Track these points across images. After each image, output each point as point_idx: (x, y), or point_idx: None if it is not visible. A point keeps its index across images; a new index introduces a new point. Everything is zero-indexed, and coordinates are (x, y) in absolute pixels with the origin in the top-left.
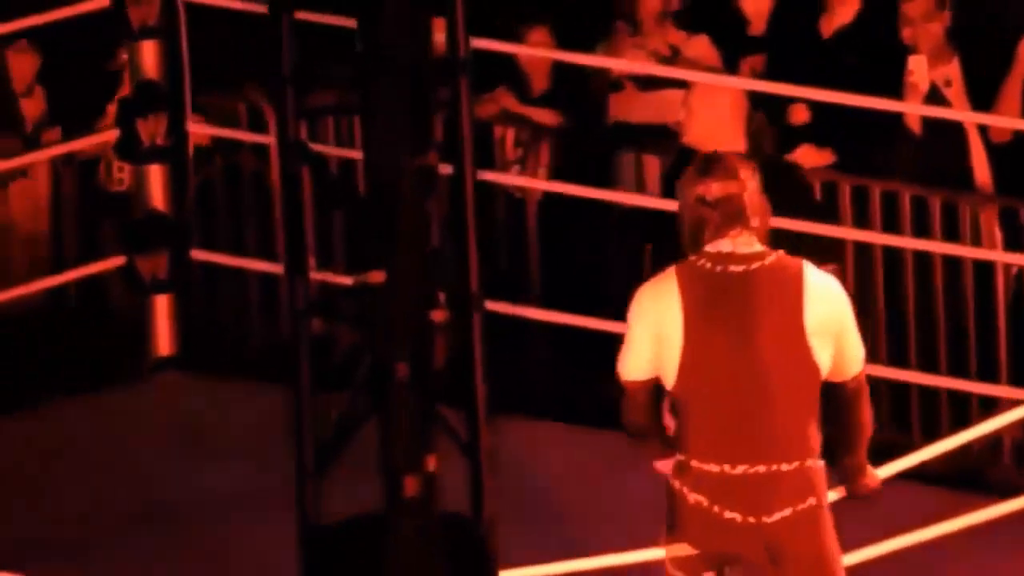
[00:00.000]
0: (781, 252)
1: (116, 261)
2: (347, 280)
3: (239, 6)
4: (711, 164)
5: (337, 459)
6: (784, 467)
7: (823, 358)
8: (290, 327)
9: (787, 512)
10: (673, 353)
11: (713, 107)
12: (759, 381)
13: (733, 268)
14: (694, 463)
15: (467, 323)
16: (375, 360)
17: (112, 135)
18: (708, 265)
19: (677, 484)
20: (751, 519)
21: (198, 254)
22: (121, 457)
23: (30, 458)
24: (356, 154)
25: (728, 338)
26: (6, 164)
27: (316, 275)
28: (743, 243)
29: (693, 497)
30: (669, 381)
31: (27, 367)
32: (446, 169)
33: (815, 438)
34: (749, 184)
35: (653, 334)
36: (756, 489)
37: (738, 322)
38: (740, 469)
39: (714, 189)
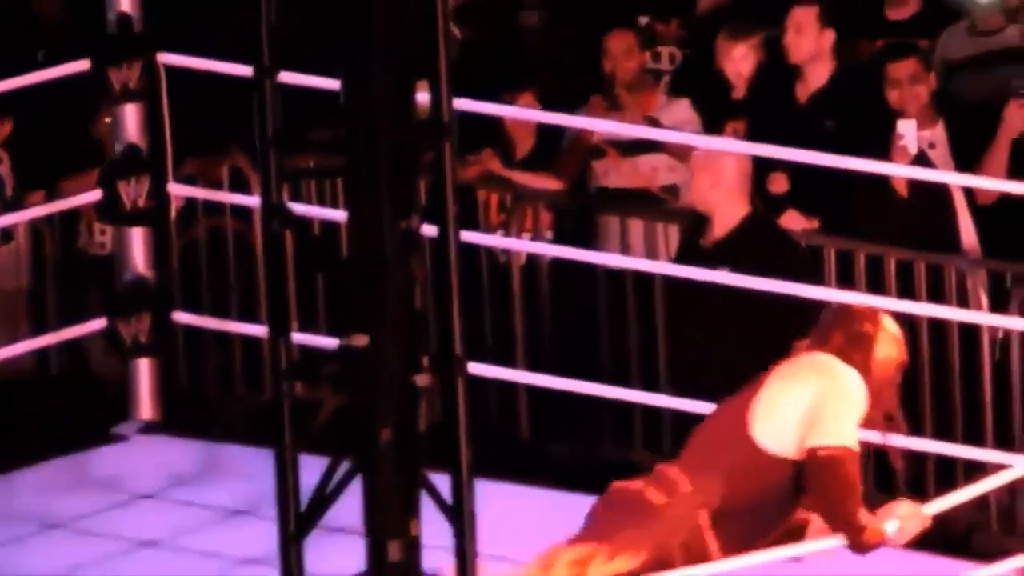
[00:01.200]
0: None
1: (98, 324)
2: (331, 342)
3: (222, 69)
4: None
5: (318, 523)
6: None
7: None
8: (273, 390)
9: None
10: None
11: (716, 170)
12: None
13: None
14: None
15: (451, 386)
16: (358, 423)
17: (94, 197)
18: None
19: None
20: None
21: (181, 317)
22: (105, 514)
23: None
24: (339, 215)
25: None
26: None
27: (299, 337)
28: None
29: None
30: None
31: (7, 430)
32: (430, 231)
33: None
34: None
35: None
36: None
37: None
38: None
39: None
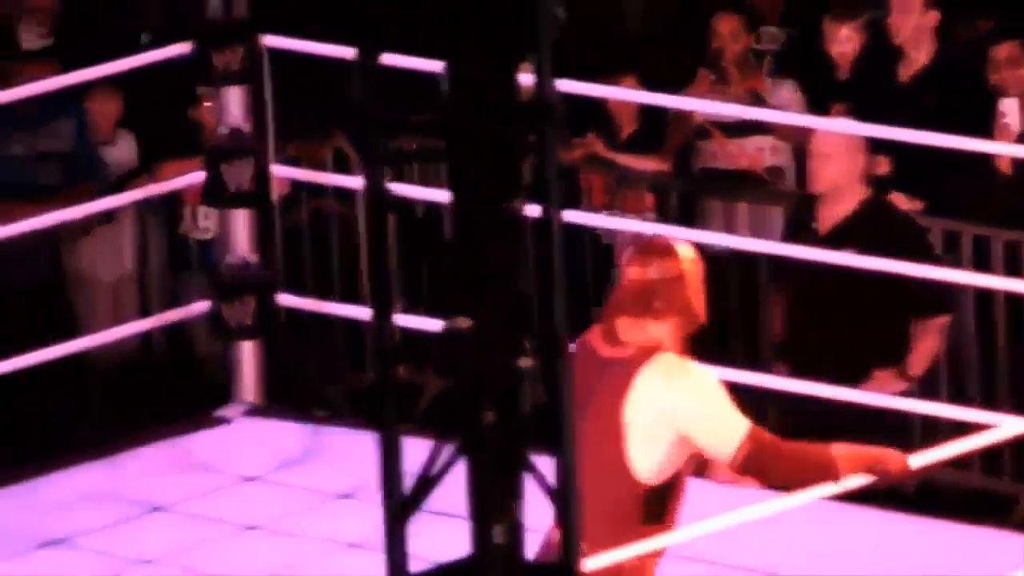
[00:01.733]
0: (659, 347)
1: (201, 307)
2: (434, 325)
3: (324, 51)
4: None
5: (422, 506)
6: None
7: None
8: (376, 372)
9: None
10: None
11: (838, 153)
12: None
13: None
14: None
15: (554, 368)
16: (462, 406)
17: (198, 181)
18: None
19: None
20: None
21: (284, 299)
22: (209, 497)
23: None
24: (442, 197)
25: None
26: (90, 210)
27: (402, 320)
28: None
29: None
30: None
31: (112, 414)
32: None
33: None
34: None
35: None
36: None
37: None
38: None
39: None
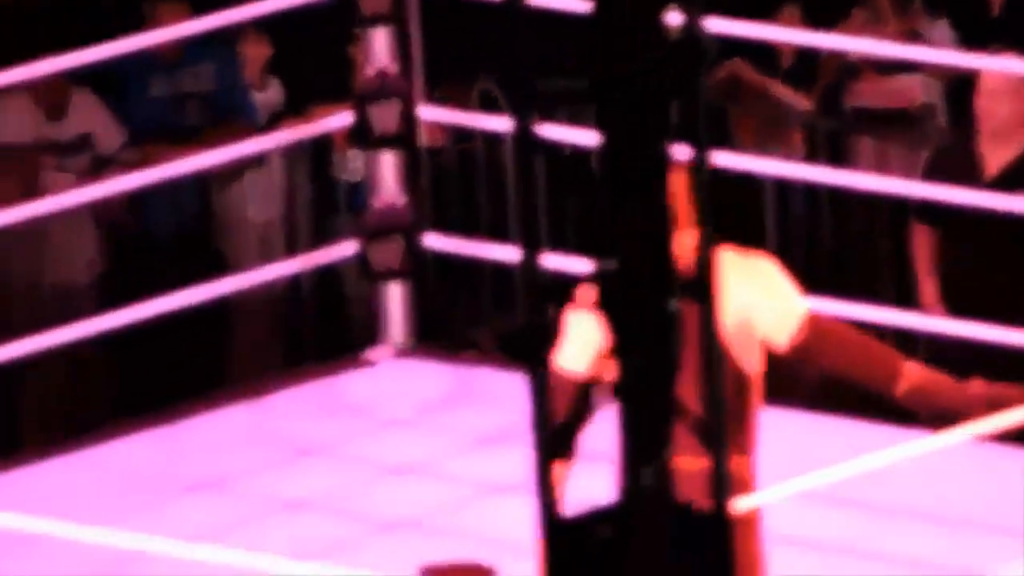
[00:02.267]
0: None
1: (349, 249)
2: (582, 266)
3: None
4: None
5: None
6: None
7: None
8: (524, 312)
9: None
10: None
11: (1004, 92)
12: None
13: None
14: None
15: (704, 310)
16: (610, 349)
17: (345, 123)
18: None
19: None
20: None
21: (431, 241)
22: (356, 440)
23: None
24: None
25: None
26: (241, 152)
27: (550, 261)
28: None
29: None
30: None
31: (260, 354)
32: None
33: None
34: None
35: None
36: None
37: None
38: None
39: None
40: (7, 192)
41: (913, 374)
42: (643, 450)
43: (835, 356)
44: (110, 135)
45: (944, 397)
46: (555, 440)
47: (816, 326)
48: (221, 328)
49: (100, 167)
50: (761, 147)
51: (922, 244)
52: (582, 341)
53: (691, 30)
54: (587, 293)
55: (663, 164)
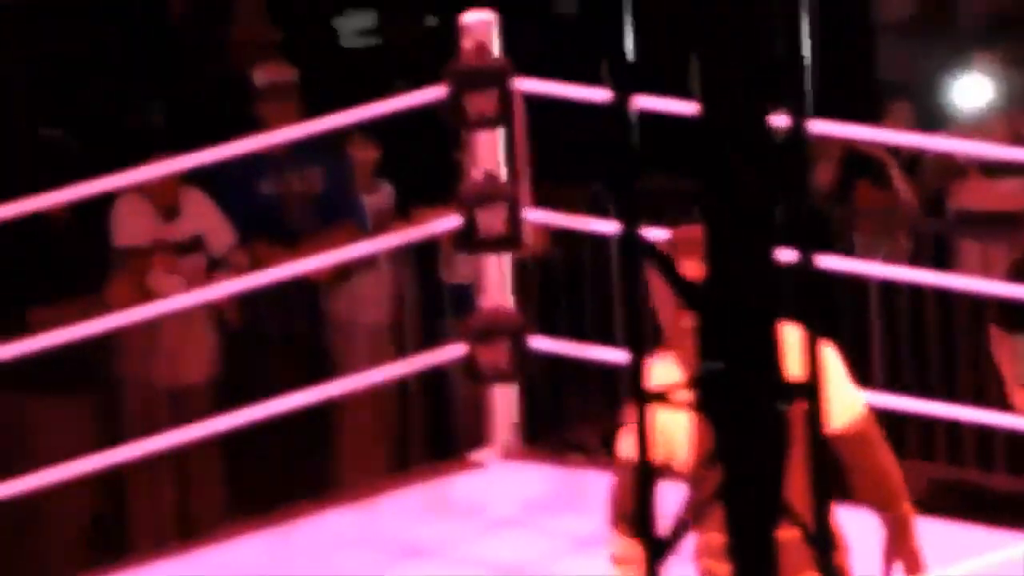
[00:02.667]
0: None
1: (456, 352)
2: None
3: (578, 95)
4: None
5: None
6: None
7: None
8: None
9: None
10: None
11: None
12: None
13: None
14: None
15: (812, 410)
16: (717, 451)
17: (452, 225)
18: None
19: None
20: None
21: (538, 343)
22: (464, 542)
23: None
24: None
25: None
26: (351, 255)
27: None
28: None
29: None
30: None
31: (367, 455)
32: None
33: None
34: None
35: None
36: None
37: None
38: None
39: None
40: (123, 294)
41: (911, 514)
42: (751, 550)
43: (874, 456)
44: (222, 235)
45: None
46: (663, 540)
47: (870, 421)
48: (329, 429)
49: (213, 268)
50: (869, 244)
51: (1004, 349)
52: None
53: (797, 132)
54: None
55: (769, 266)
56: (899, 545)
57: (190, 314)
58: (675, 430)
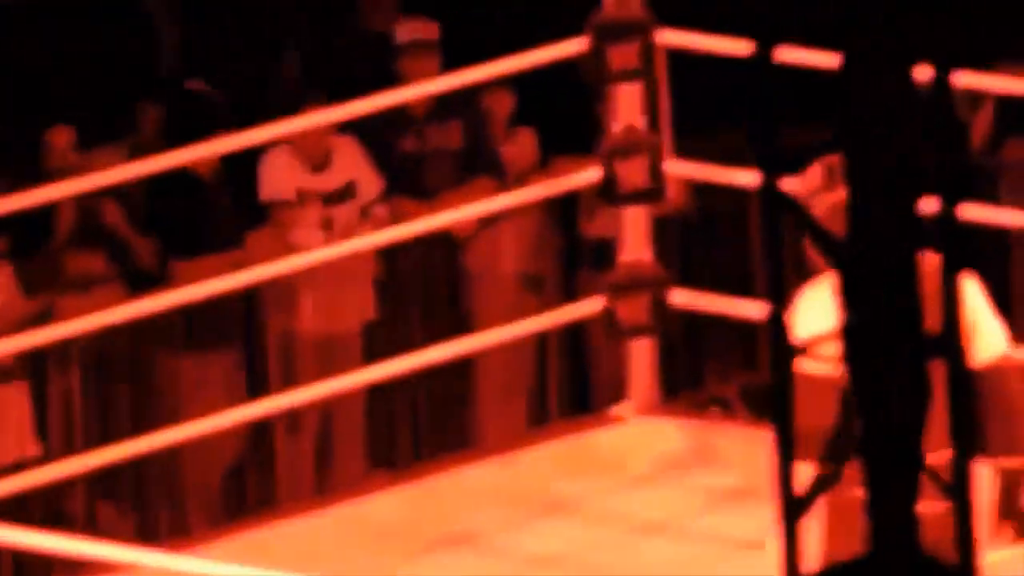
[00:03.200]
0: None
1: (595, 305)
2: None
3: (720, 48)
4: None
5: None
6: None
7: None
8: (773, 369)
9: None
10: None
11: None
12: None
13: None
14: None
15: (954, 370)
16: (859, 405)
17: (593, 178)
18: None
19: None
20: None
21: (678, 297)
22: (603, 496)
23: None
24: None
25: None
26: (490, 208)
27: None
28: None
29: None
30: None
31: (507, 410)
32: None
33: None
34: None
35: None
36: None
37: None
38: None
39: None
40: (271, 246)
41: None
42: (890, 506)
43: (1010, 396)
44: (372, 183)
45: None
46: (801, 496)
47: (1010, 360)
48: (469, 383)
49: (363, 216)
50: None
51: None
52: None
53: (941, 84)
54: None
55: (913, 219)
56: (1012, 504)
57: (341, 264)
58: None
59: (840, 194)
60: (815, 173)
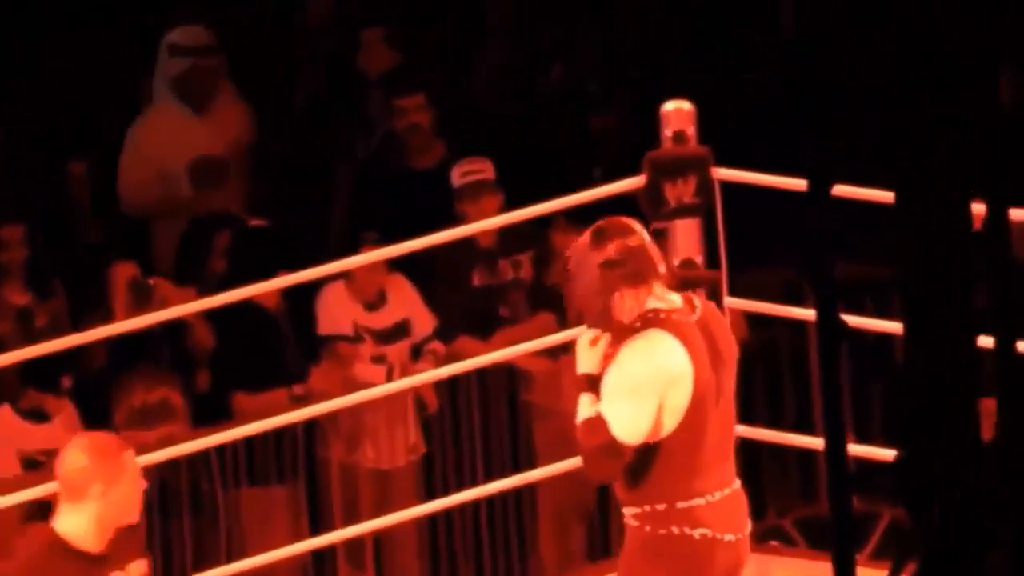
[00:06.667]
0: (689, 293)
1: None
2: (887, 454)
3: (776, 183)
4: (604, 229)
5: None
6: (737, 484)
7: None
8: (831, 501)
9: (748, 526)
10: (678, 407)
11: None
12: (728, 414)
13: (688, 318)
14: (680, 504)
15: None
16: (915, 539)
17: None
18: (676, 317)
19: (673, 529)
20: (740, 535)
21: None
22: None
23: None
24: (893, 327)
25: (716, 380)
26: (554, 341)
27: (854, 449)
28: (663, 294)
29: (699, 532)
30: (660, 435)
31: (564, 542)
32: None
33: None
34: (645, 236)
35: (663, 396)
36: (737, 507)
37: (714, 363)
38: (724, 493)
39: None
40: (329, 382)
41: None
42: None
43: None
44: (425, 321)
45: None
46: None
47: (613, 439)
48: (527, 513)
49: (416, 354)
50: None
51: None
52: None
53: (996, 219)
54: None
55: (970, 359)
56: None
57: (395, 399)
58: None
59: None
60: None
